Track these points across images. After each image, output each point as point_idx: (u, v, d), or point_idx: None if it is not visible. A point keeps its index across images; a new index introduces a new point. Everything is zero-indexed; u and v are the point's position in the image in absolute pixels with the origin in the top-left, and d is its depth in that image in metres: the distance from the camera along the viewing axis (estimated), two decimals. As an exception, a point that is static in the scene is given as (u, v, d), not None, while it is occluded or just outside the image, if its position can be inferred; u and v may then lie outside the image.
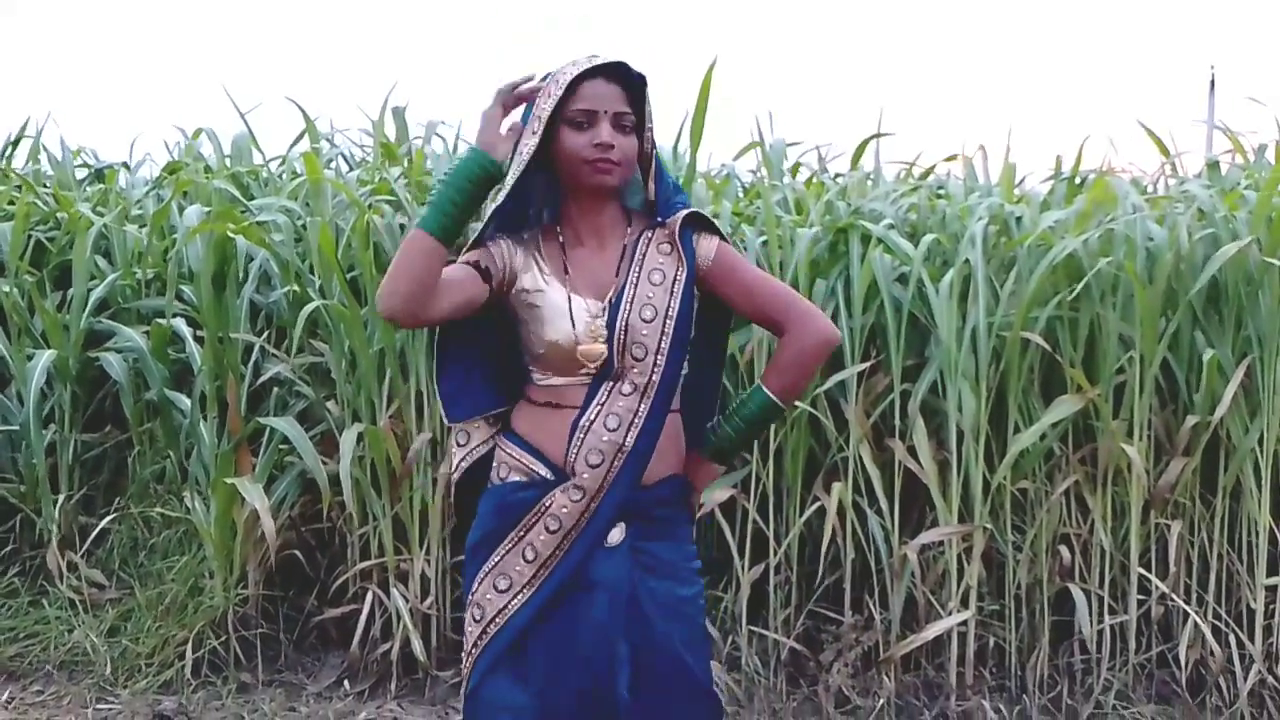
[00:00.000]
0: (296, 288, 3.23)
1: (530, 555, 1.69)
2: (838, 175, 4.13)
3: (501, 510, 1.73)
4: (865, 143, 3.89)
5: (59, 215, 3.98)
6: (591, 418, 1.69)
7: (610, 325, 1.69)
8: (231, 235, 3.19)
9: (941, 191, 3.66)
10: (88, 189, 4.57)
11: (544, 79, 1.70)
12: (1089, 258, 2.96)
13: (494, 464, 1.79)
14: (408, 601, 3.12)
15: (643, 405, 1.69)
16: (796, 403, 3.00)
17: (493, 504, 1.76)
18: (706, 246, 1.77)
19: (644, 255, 1.74)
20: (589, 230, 1.76)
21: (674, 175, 1.92)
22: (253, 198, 3.69)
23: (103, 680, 3.13)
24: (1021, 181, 3.90)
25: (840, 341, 1.98)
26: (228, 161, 4.14)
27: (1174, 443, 3.02)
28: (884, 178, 3.91)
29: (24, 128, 4.71)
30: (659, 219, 1.77)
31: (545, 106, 1.67)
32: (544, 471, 1.71)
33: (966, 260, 2.97)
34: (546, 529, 1.69)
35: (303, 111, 4.16)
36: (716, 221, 1.82)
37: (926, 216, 3.34)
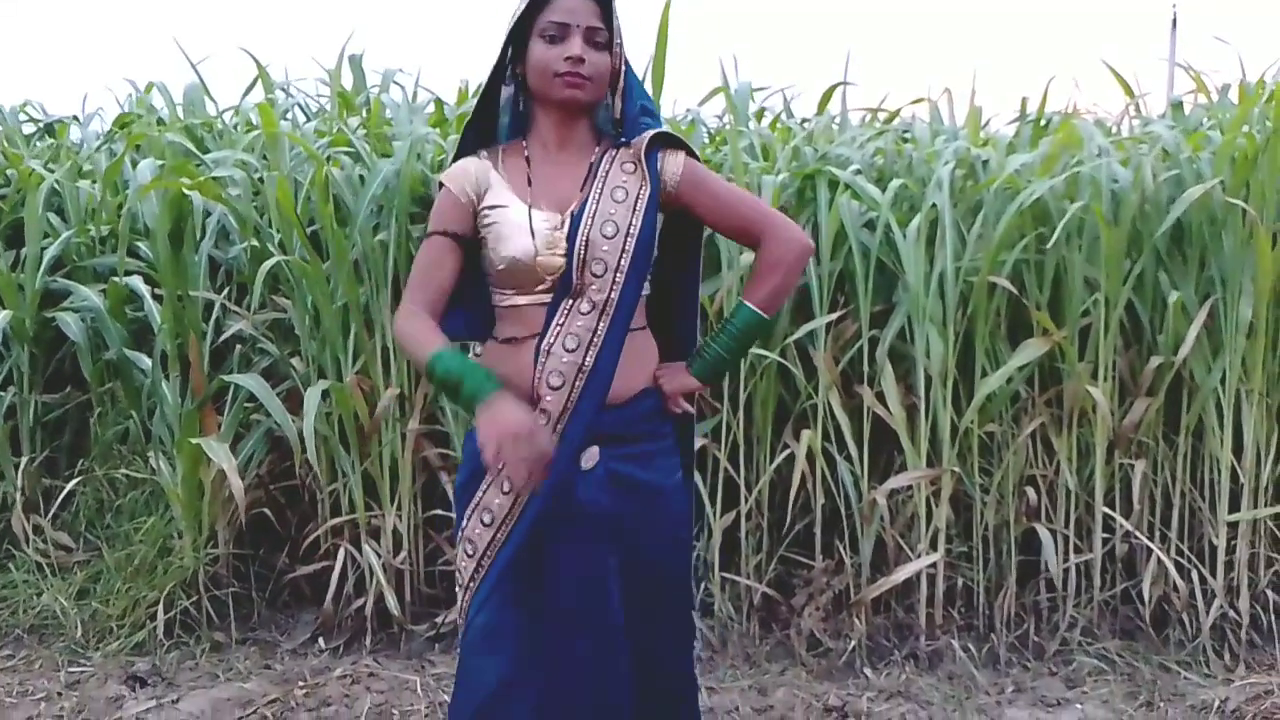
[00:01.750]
0: (255, 243, 3.17)
1: (507, 487, 1.70)
2: (804, 120, 4.10)
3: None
4: (831, 90, 3.86)
5: (8, 172, 3.87)
6: (551, 340, 1.69)
7: (570, 240, 1.69)
8: (187, 191, 3.12)
9: (908, 135, 3.64)
10: (37, 144, 4.45)
11: None
12: (1055, 201, 2.96)
13: None
14: (380, 557, 3.11)
15: (601, 324, 1.69)
16: (765, 351, 3.00)
17: (472, 445, 1.73)
18: (673, 163, 1.77)
19: (607, 173, 1.74)
20: (556, 145, 1.76)
21: (651, 98, 1.91)
22: (207, 151, 3.60)
23: (74, 643, 3.11)
24: (987, 124, 3.89)
25: (813, 250, 1.99)
26: (180, 114, 4.03)
27: (1138, 383, 3.05)
28: (850, 122, 3.88)
29: (-33, 81, 4.56)
30: (624, 139, 1.78)
31: (514, 14, 1.69)
32: None
33: (934, 205, 2.96)
34: None
35: (256, 61, 4.05)
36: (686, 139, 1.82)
37: (893, 161, 3.33)
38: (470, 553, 1.76)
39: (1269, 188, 2.91)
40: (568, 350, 1.68)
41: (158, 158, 3.38)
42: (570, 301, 1.70)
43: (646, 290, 1.78)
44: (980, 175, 3.17)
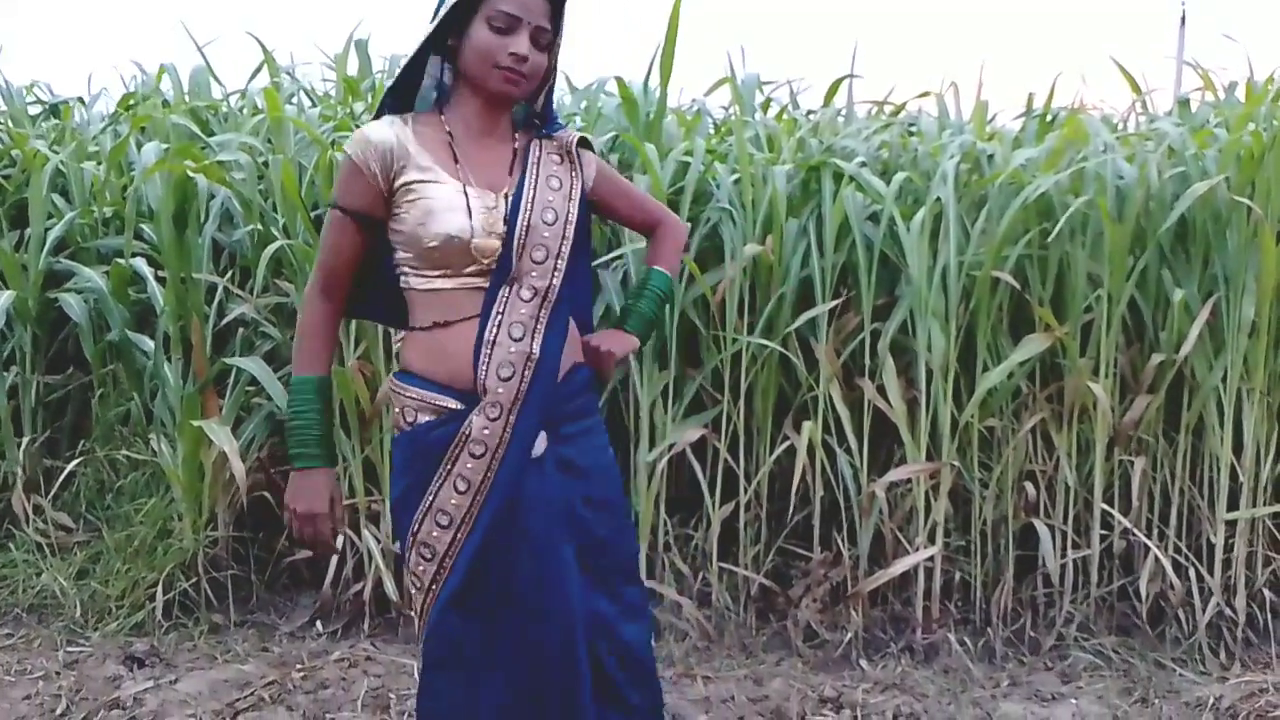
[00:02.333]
0: (259, 227, 3.17)
1: (462, 486, 1.66)
2: (810, 112, 4.09)
3: (420, 455, 1.69)
4: (838, 83, 3.85)
5: (13, 153, 3.87)
6: (494, 330, 1.65)
7: (510, 224, 1.66)
8: (192, 174, 3.12)
9: (914, 129, 3.63)
10: (42, 125, 4.45)
11: None
12: (1060, 196, 2.96)
13: (394, 410, 1.76)
14: (379, 542, 3.12)
15: (543, 311, 1.68)
16: (768, 342, 3.01)
17: (409, 452, 1.72)
18: (590, 161, 1.84)
19: (538, 161, 1.74)
20: (480, 127, 1.73)
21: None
22: (212, 133, 3.60)
23: (73, 623, 3.12)
24: (993, 119, 3.88)
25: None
26: (186, 96, 4.03)
27: (1139, 380, 3.05)
28: (856, 115, 3.87)
29: (-28, 62, 4.56)
30: (545, 131, 1.79)
31: None
32: (453, 403, 1.67)
33: (938, 199, 2.96)
34: (472, 455, 1.65)
35: (262, 45, 4.06)
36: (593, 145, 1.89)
37: (898, 154, 3.32)
38: (428, 556, 1.70)
39: (1274, 186, 2.90)
40: (514, 339, 1.65)
41: (163, 140, 3.38)
42: (508, 289, 1.66)
43: None
44: (985, 170, 3.17)
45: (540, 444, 1.70)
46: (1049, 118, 3.59)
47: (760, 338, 3.02)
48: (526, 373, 1.66)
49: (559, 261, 1.69)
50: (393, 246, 1.72)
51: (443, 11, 1.67)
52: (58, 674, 2.87)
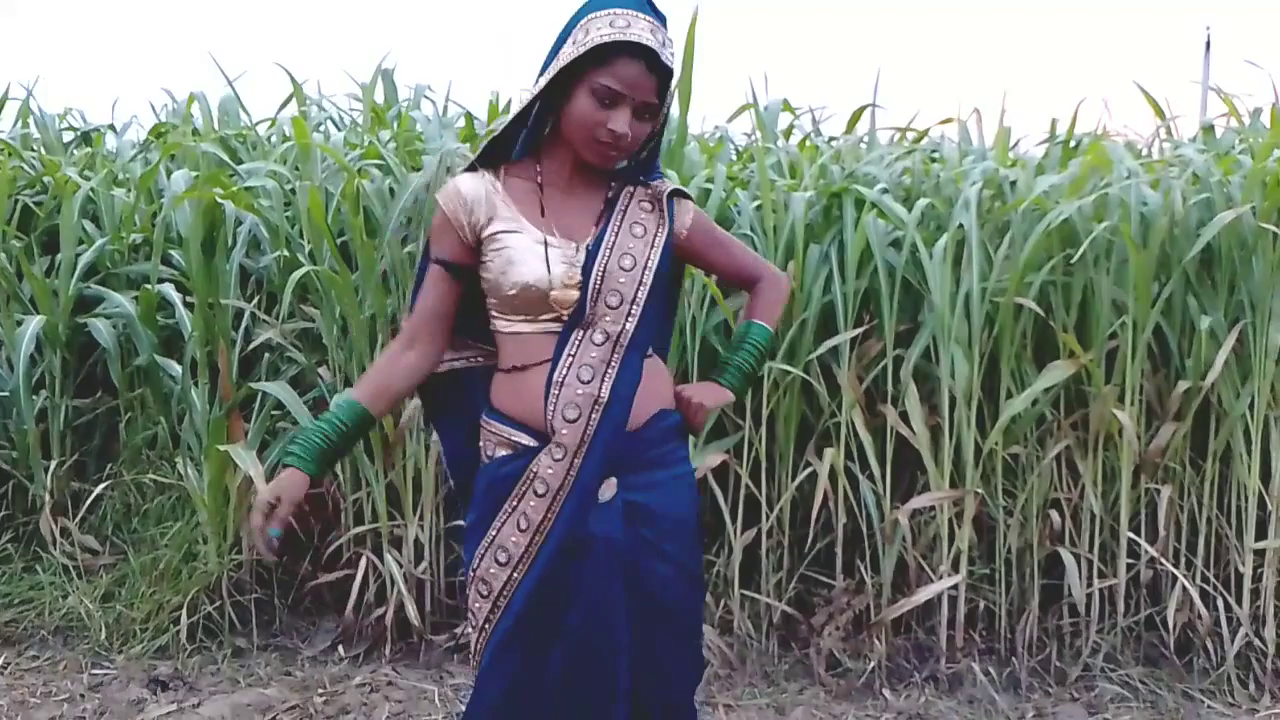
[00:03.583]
0: (286, 253, 3.21)
1: (524, 524, 1.67)
2: (832, 139, 4.11)
3: (492, 486, 1.71)
4: (860, 110, 3.87)
5: (45, 179, 3.94)
6: (564, 372, 1.66)
7: (586, 270, 1.67)
8: (220, 200, 3.17)
9: (936, 155, 3.64)
10: (74, 152, 4.52)
11: (581, 16, 1.64)
12: (1083, 223, 2.95)
13: (481, 444, 1.77)
14: (401, 567, 3.13)
15: (615, 356, 1.67)
16: (789, 367, 3.01)
17: (484, 483, 1.74)
18: (686, 211, 1.82)
19: (625, 208, 1.74)
20: (571, 178, 1.73)
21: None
22: (240, 161, 3.65)
23: (98, 646, 3.14)
24: (1016, 145, 3.88)
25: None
26: (215, 125, 4.09)
27: (1165, 408, 3.03)
28: (878, 141, 3.88)
29: (8, 91, 4.64)
30: (641, 178, 1.78)
31: (569, 54, 1.61)
32: (526, 440, 1.69)
33: (960, 225, 2.96)
34: (535, 493, 1.66)
35: (290, 75, 4.12)
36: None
37: (921, 180, 3.33)
38: (485, 593, 1.71)
39: (1300, 213, 2.89)
40: (582, 381, 1.65)
41: (192, 168, 3.44)
42: (581, 333, 1.67)
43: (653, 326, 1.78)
44: (1008, 196, 3.16)
45: (609, 489, 1.69)
46: (1072, 144, 3.59)
47: (782, 363, 3.02)
48: (594, 416, 1.65)
49: (634, 307, 1.68)
50: (484, 292, 1.75)
51: (550, 73, 1.64)
52: (82, 696, 2.90)
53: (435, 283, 1.74)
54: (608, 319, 1.67)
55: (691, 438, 1.91)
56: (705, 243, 1.86)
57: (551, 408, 1.65)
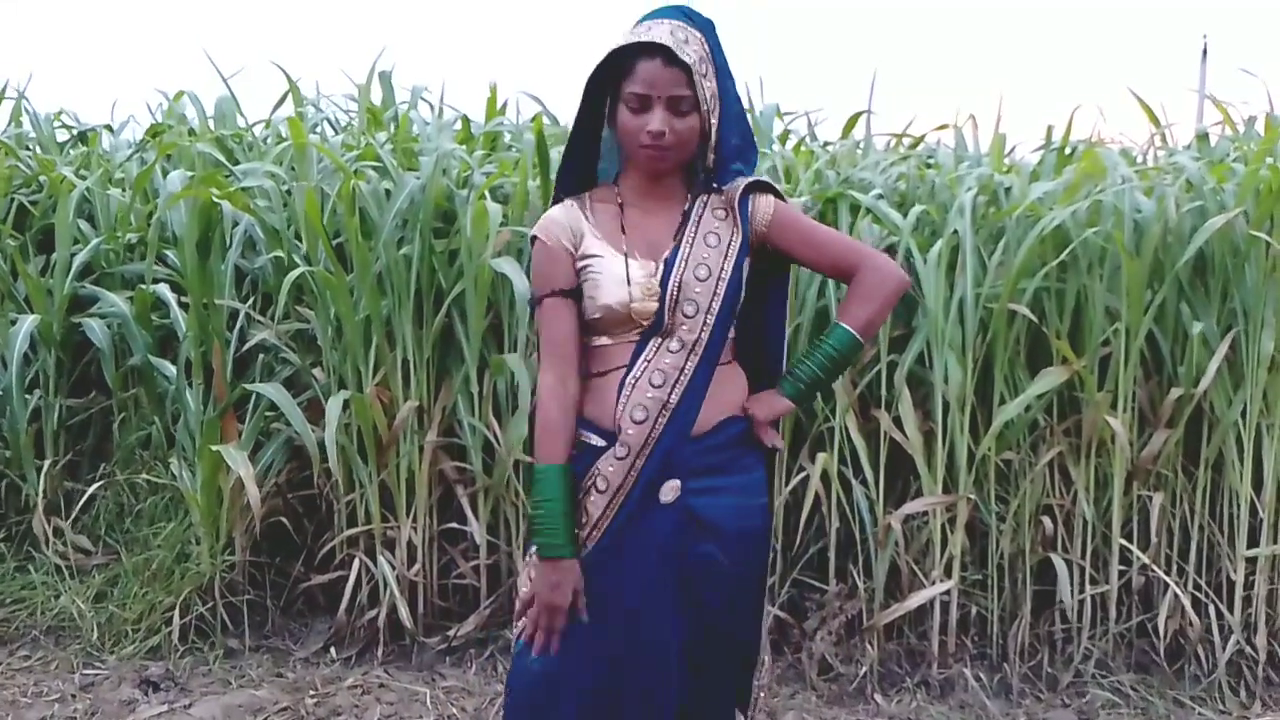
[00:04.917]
0: (281, 253, 3.21)
1: (583, 519, 1.71)
2: (827, 144, 4.11)
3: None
4: (856, 116, 3.88)
5: (41, 178, 3.93)
6: (637, 374, 1.70)
7: (663, 283, 1.71)
8: (216, 201, 3.16)
9: (931, 161, 3.65)
10: (70, 152, 4.52)
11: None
12: (1077, 229, 2.96)
13: None
14: (394, 569, 3.13)
15: (689, 363, 1.71)
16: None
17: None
18: (764, 206, 1.80)
19: (700, 218, 1.77)
20: (647, 192, 1.78)
21: (750, 130, 1.88)
22: (237, 162, 3.65)
23: (89, 646, 3.14)
24: (1011, 151, 3.89)
25: (910, 284, 1.94)
26: (211, 125, 4.09)
27: (1157, 415, 3.04)
28: (874, 147, 3.89)
29: (3, 90, 4.64)
30: (716, 184, 1.79)
31: (596, 75, 1.70)
32: (595, 439, 1.72)
33: (955, 231, 2.97)
34: (596, 489, 1.69)
35: (286, 75, 4.12)
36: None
37: (916, 186, 3.34)
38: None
39: (1293, 221, 2.90)
40: (653, 386, 1.69)
41: (188, 168, 3.43)
42: (659, 340, 1.72)
43: (732, 333, 1.78)
44: (1003, 202, 3.17)
45: (671, 491, 1.71)
46: (1067, 150, 3.60)
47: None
48: (660, 420, 1.69)
49: (709, 317, 1.71)
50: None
51: (583, 96, 1.73)
52: (73, 696, 2.89)
53: (558, 313, 1.75)
54: (684, 328, 1.71)
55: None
56: (789, 238, 1.81)
57: (621, 408, 1.70)
